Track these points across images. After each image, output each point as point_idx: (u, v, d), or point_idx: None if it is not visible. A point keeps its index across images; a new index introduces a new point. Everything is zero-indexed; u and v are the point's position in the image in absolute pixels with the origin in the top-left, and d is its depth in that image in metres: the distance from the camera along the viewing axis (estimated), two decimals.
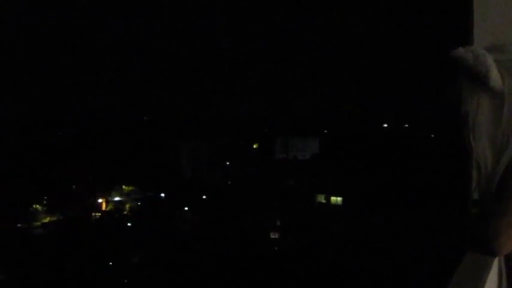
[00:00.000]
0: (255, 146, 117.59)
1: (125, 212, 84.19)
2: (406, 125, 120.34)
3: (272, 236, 72.03)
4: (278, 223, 73.83)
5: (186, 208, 79.19)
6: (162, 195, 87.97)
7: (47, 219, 79.36)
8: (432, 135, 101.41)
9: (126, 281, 56.49)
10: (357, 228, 64.75)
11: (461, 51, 2.98)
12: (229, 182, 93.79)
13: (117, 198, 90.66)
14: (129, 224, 75.16)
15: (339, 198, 79.30)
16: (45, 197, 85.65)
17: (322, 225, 68.91)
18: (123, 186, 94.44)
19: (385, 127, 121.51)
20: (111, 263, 59.50)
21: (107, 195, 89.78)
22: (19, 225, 74.38)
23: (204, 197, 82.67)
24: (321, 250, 60.28)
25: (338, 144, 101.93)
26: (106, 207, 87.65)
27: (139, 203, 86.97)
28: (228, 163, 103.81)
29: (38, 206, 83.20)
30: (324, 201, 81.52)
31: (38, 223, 77.91)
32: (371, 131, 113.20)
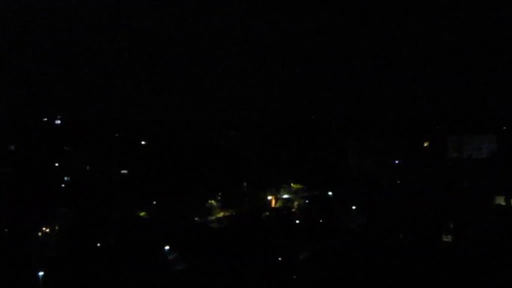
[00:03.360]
0: (425, 145, 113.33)
1: (293, 209, 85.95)
2: None
3: (444, 238, 68.53)
4: (451, 226, 70.02)
5: (354, 207, 78.51)
6: (330, 193, 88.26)
7: (221, 214, 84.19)
8: None
9: (294, 276, 57.51)
10: None
11: None
12: (398, 182, 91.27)
13: (285, 196, 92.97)
14: (297, 221, 76.52)
15: None
16: (220, 194, 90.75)
17: (501, 230, 63.99)
18: (292, 184, 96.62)
19: None
20: (280, 258, 61.01)
21: (276, 193, 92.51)
22: (196, 218, 79.72)
23: (372, 195, 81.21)
24: (498, 256, 55.91)
25: None
26: (275, 204, 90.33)
27: (307, 201, 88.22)
28: (396, 162, 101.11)
29: (213, 201, 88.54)
30: (503, 203, 75.96)
31: (213, 217, 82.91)
32: None
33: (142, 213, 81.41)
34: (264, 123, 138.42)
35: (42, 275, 55.62)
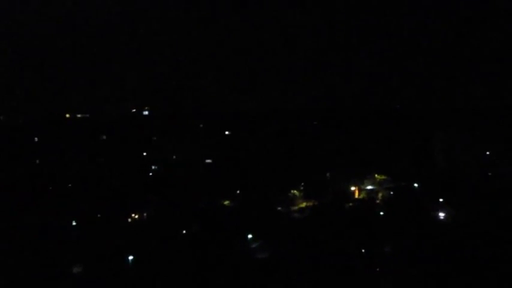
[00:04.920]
0: None
1: (377, 201, 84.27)
2: None
3: None
4: None
5: (441, 199, 75.83)
6: (416, 185, 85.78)
7: (303, 204, 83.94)
8: None
9: (378, 269, 56.39)
10: None
11: None
12: (489, 174, 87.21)
13: (369, 187, 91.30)
14: (381, 213, 74.97)
15: None
16: (302, 184, 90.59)
17: None
18: (376, 175, 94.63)
19: None
20: (363, 250, 60.06)
21: (359, 184, 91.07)
22: (279, 208, 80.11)
23: (460, 188, 78.12)
24: None
25: None
26: (359, 195, 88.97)
27: (391, 192, 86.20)
28: (488, 153, 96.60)
29: (295, 191, 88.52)
30: None
31: (296, 207, 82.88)
32: None
33: (226, 202, 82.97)
34: (348, 113, 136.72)
35: (132, 259, 58.26)
